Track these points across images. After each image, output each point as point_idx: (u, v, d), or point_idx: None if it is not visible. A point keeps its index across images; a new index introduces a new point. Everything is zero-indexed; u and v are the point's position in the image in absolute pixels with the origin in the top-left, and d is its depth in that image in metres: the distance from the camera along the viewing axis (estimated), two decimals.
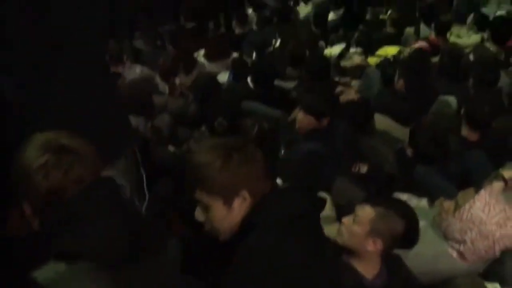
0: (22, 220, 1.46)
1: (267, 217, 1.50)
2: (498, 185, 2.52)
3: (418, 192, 2.78)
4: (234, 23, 7.09)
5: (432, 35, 5.63)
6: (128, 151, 2.16)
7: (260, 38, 6.27)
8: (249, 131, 3.50)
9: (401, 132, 3.44)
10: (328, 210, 2.79)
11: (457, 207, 2.28)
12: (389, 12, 6.55)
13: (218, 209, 1.52)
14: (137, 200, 1.96)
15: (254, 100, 4.25)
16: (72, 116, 2.00)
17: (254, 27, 7.17)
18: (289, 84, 4.61)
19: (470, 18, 6.01)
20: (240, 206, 1.52)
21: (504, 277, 2.30)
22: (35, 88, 1.97)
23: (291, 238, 1.48)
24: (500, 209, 2.21)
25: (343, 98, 4.09)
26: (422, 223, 2.17)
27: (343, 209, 2.67)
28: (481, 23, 5.66)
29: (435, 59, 4.69)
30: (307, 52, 4.98)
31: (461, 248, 2.26)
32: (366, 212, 2.03)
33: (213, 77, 4.70)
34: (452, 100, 3.84)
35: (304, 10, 7.84)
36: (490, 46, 4.98)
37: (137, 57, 5.97)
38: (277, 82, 4.56)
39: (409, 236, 2.04)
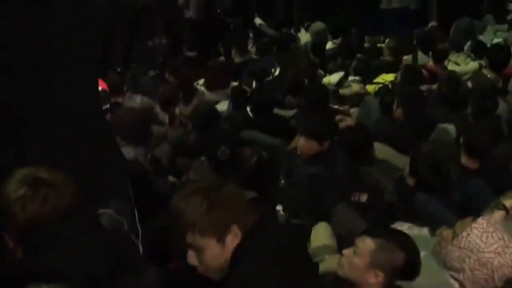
0: (8, 253, 1.52)
1: (255, 249, 1.54)
2: (499, 214, 2.52)
3: (419, 221, 2.77)
4: (233, 52, 7.15)
5: (430, 63, 5.68)
6: (121, 188, 2.17)
7: (260, 67, 6.32)
8: (249, 160, 3.50)
9: (401, 161, 3.44)
10: (328, 240, 2.78)
11: (454, 235, 2.27)
12: (386, 40, 6.61)
13: (212, 248, 1.56)
14: (134, 236, 1.96)
15: (254, 129, 4.27)
16: (72, 116, 2.02)
17: (254, 56, 7.23)
18: (288, 113, 4.62)
19: (467, 45, 6.05)
20: (232, 241, 1.57)
21: None
22: (35, 88, 1.97)
23: (278, 269, 1.52)
24: (498, 237, 2.19)
25: (341, 125, 4.12)
26: (423, 253, 2.16)
27: (344, 239, 2.67)
28: (479, 50, 5.70)
29: (434, 87, 4.73)
30: (306, 81, 5.01)
31: (461, 277, 2.24)
32: (366, 244, 2.02)
33: (212, 106, 4.72)
34: (451, 128, 3.85)
35: (304, 37, 7.90)
36: (488, 73, 5.01)
37: (136, 86, 6.00)
38: (276, 111, 4.59)
39: (410, 267, 2.04)
